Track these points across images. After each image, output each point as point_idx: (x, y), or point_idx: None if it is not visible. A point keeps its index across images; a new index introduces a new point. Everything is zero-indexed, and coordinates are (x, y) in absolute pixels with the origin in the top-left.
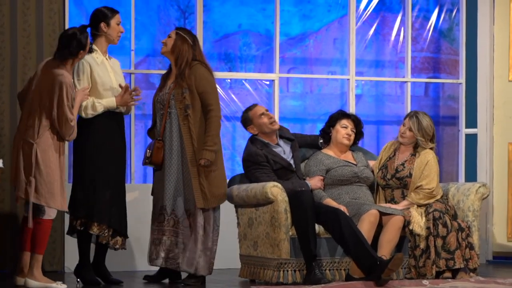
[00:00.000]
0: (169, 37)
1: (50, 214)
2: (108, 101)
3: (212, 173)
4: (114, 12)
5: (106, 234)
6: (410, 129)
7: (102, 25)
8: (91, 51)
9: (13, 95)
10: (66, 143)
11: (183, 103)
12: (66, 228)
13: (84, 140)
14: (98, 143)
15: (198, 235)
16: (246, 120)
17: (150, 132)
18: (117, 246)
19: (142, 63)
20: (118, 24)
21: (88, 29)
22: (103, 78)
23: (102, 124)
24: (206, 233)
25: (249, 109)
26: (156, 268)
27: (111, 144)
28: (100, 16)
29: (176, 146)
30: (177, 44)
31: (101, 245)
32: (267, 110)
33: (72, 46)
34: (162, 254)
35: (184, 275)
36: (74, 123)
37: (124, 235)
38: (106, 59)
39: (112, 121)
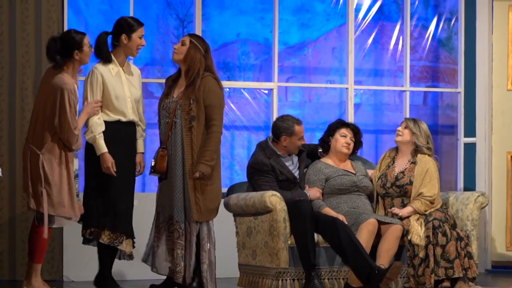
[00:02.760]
0: (183, 44)
1: (61, 223)
2: (101, 146)
3: (208, 187)
4: (139, 24)
5: (121, 243)
6: (406, 127)
7: (123, 37)
8: (108, 61)
9: (12, 103)
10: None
11: (189, 114)
12: (65, 237)
13: (92, 149)
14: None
15: (205, 249)
16: (289, 130)
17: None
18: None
19: (141, 72)
20: (140, 38)
21: (109, 37)
22: (116, 90)
23: (111, 133)
24: (210, 247)
25: (296, 122)
26: (162, 277)
27: (119, 154)
28: (124, 27)
29: (179, 156)
30: (190, 53)
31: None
32: None
33: (64, 48)
34: (169, 264)
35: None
36: (78, 131)
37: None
38: (123, 69)
39: (121, 130)
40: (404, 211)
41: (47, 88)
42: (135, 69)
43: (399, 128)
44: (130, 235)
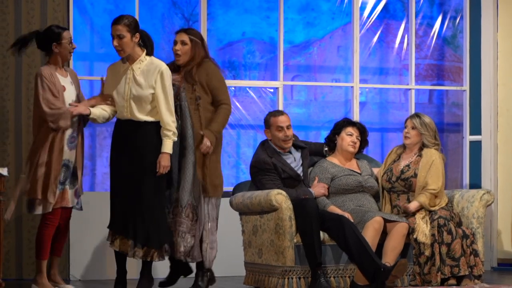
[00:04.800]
0: (183, 43)
1: (45, 207)
2: (102, 113)
3: (213, 164)
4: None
5: (113, 242)
6: (413, 127)
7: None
8: (123, 61)
9: (17, 103)
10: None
11: (194, 94)
12: (71, 236)
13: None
14: (111, 151)
15: (206, 228)
16: (267, 122)
17: None
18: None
19: None
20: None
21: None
22: (118, 88)
23: (116, 131)
24: (211, 225)
25: (274, 114)
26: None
27: (114, 152)
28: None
29: (190, 135)
30: (196, 52)
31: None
32: (289, 126)
33: (44, 41)
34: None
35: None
36: (52, 110)
37: (142, 246)
38: (132, 67)
39: (116, 130)
40: (412, 206)
41: None
42: (155, 66)
43: (406, 130)
44: (121, 233)
